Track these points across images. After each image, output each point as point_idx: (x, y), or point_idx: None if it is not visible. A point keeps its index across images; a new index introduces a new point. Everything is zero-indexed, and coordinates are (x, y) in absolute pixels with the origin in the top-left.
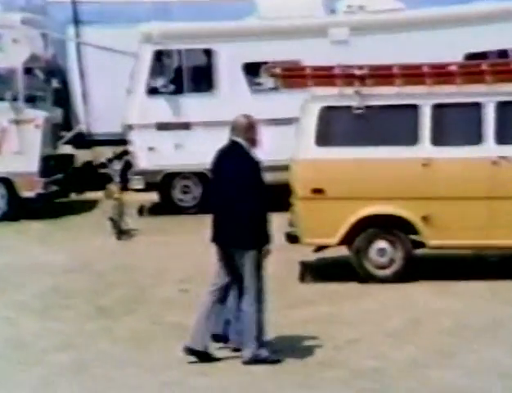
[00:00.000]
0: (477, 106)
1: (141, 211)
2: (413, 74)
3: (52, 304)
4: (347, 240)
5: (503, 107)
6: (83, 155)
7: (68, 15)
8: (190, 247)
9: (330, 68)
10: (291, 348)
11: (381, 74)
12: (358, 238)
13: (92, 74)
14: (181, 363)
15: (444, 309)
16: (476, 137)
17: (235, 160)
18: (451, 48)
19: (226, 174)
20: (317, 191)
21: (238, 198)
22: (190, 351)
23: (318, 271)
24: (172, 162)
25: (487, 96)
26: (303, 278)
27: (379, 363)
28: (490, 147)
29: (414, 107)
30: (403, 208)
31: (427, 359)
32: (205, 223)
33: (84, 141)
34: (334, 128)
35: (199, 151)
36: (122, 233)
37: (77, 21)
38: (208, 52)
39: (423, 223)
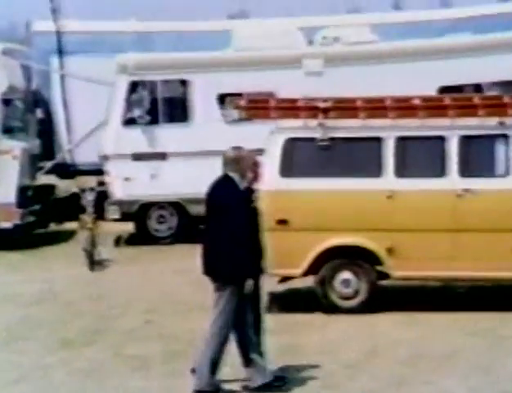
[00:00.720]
0: (440, 140)
1: (118, 241)
2: (376, 107)
3: (18, 335)
4: (312, 270)
5: (466, 141)
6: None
7: (52, 45)
8: (160, 277)
9: (294, 100)
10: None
11: (345, 107)
12: (323, 269)
13: (75, 104)
14: None
15: (404, 339)
16: (440, 170)
17: (222, 192)
18: (424, 81)
19: (213, 207)
20: (282, 222)
21: (222, 231)
22: None
23: (285, 301)
24: (148, 192)
25: (451, 129)
26: (269, 309)
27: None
28: (454, 180)
29: (378, 140)
30: (368, 239)
31: (381, 390)
32: (180, 253)
33: (68, 171)
34: (299, 159)
35: (174, 181)
36: (95, 264)
37: (61, 51)
38: (183, 83)
39: (387, 254)
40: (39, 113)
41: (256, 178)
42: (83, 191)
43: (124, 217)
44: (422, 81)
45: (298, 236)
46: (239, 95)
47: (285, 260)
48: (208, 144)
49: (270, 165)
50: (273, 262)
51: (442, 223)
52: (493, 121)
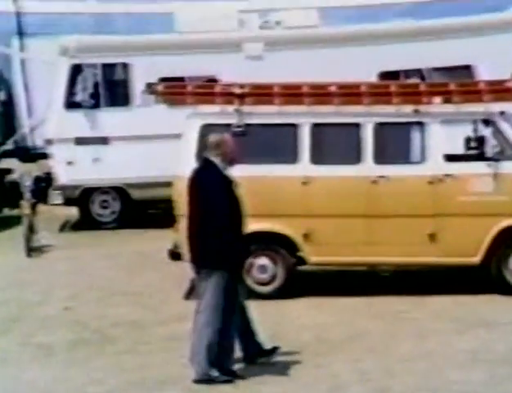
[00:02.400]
0: (356, 127)
1: (64, 227)
2: (292, 94)
3: None
4: None
5: (381, 128)
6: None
7: (12, 26)
8: (92, 263)
9: (211, 86)
10: (142, 365)
11: (261, 93)
12: None
13: (35, 87)
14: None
15: (312, 324)
16: (355, 157)
17: (205, 177)
18: (365, 66)
19: (195, 192)
20: None
21: (205, 216)
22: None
23: None
24: (91, 177)
25: (366, 116)
26: (189, 294)
27: None
28: (369, 167)
29: (293, 126)
30: (284, 225)
31: (270, 373)
32: (121, 238)
33: (29, 154)
34: None
35: (117, 166)
36: (32, 250)
37: (21, 33)
38: (124, 66)
39: (304, 240)
40: (1, 95)
41: (234, 161)
42: (22, 176)
43: (68, 202)
44: (362, 66)
45: None
46: (181, 79)
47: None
48: (149, 128)
49: (186, 151)
50: None
51: (357, 209)
52: (408, 109)
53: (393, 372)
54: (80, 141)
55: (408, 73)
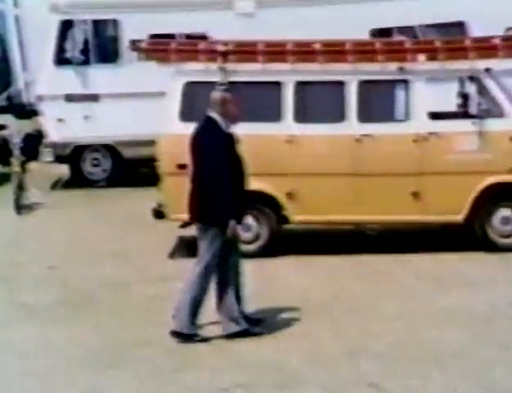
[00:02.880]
0: (340, 85)
1: (55, 184)
2: (276, 52)
3: None
4: None
5: (366, 86)
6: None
7: None
8: (81, 222)
9: (195, 43)
10: (122, 325)
11: (244, 51)
12: None
13: (31, 43)
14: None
15: (297, 283)
16: (339, 115)
17: (206, 134)
18: (357, 24)
19: (196, 149)
20: (182, 166)
21: (204, 173)
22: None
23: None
24: (81, 134)
25: (350, 74)
26: (173, 254)
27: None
28: (353, 125)
29: (277, 84)
30: (268, 184)
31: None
32: (112, 196)
33: (25, 110)
34: (199, 103)
35: (107, 124)
36: (21, 208)
37: None
38: (114, 23)
39: (287, 198)
40: None
41: (235, 120)
42: (11, 133)
43: (59, 159)
44: (354, 23)
45: None
46: (171, 36)
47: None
48: (139, 86)
49: (170, 109)
50: (174, 206)
51: (341, 167)
52: (393, 66)
53: (370, 332)
54: (70, 98)
55: (400, 30)
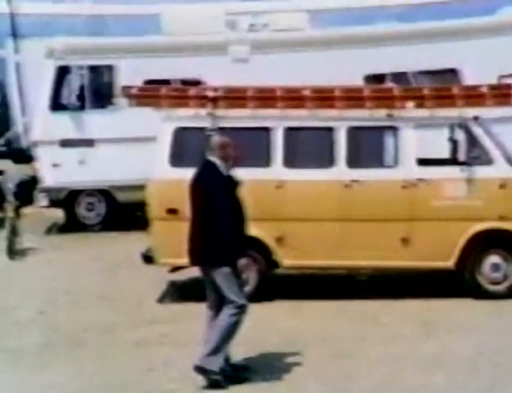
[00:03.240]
0: (329, 131)
1: (50, 229)
2: (266, 97)
3: None
4: None
5: (354, 132)
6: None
7: (6, 27)
8: (74, 266)
9: (185, 89)
10: (105, 370)
11: (234, 97)
12: None
13: (30, 88)
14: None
15: (283, 327)
16: (328, 161)
17: (206, 177)
18: (351, 69)
19: (197, 192)
20: (172, 211)
21: (206, 215)
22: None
23: (186, 291)
24: (76, 179)
25: (339, 120)
26: (162, 298)
27: (179, 384)
28: (342, 171)
29: (267, 130)
30: (257, 229)
31: None
32: (105, 240)
33: (23, 155)
34: (189, 148)
35: (102, 168)
36: (14, 253)
37: (15, 34)
38: (109, 68)
39: (277, 243)
40: None
41: (235, 163)
42: (5, 179)
43: (54, 204)
44: (348, 69)
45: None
46: (166, 82)
47: (175, 250)
48: (135, 130)
49: (160, 154)
50: (163, 251)
51: (330, 213)
52: (382, 113)
53: (354, 376)
54: (66, 143)
55: (394, 76)
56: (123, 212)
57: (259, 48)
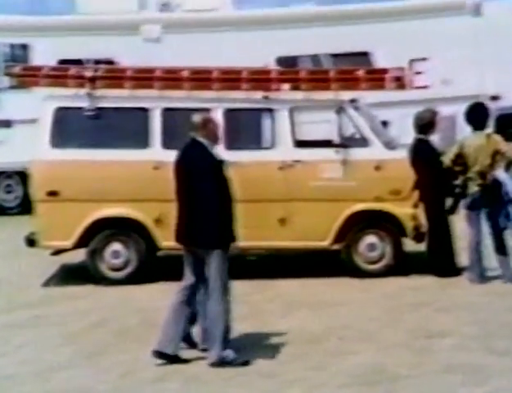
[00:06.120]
0: (206, 112)
1: None
2: (143, 78)
3: None
4: (83, 243)
5: (231, 114)
6: None
7: None
8: None
9: (65, 69)
10: None
11: (112, 77)
12: (93, 241)
13: None
14: None
15: (148, 307)
16: None
17: (194, 158)
18: (262, 51)
19: (186, 173)
20: (52, 193)
21: (198, 196)
22: (159, 354)
23: (75, 274)
24: None
25: (216, 102)
26: (48, 282)
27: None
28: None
29: (145, 110)
30: (136, 210)
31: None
32: (20, 223)
33: None
34: (68, 129)
35: (20, 150)
36: None
37: None
38: (25, 47)
39: (155, 224)
40: None
41: (218, 139)
42: None
43: None
44: (259, 51)
45: (69, 207)
46: (79, 61)
47: (56, 232)
48: None
49: (41, 135)
50: (45, 234)
51: None
52: (258, 95)
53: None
54: None
55: (306, 58)
56: None
57: (171, 28)
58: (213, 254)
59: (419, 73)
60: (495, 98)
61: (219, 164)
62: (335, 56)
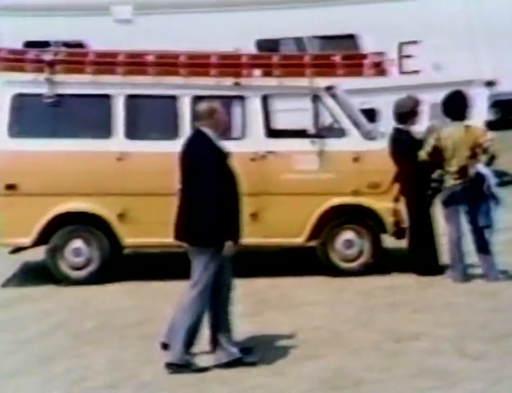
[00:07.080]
0: (172, 99)
1: None
2: (107, 63)
3: None
4: (43, 240)
5: (199, 101)
6: None
7: None
8: None
9: (23, 52)
10: None
11: (73, 61)
12: (53, 237)
13: None
14: None
15: (106, 309)
16: (173, 132)
17: (197, 149)
18: (241, 33)
19: (188, 166)
20: (10, 186)
21: (200, 191)
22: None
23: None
24: None
25: (183, 89)
26: (8, 282)
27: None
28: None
29: (107, 98)
30: (98, 205)
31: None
32: None
33: None
34: (27, 118)
35: None
36: None
37: None
38: None
39: (118, 220)
40: None
41: (225, 129)
42: None
43: None
44: (238, 33)
45: (27, 202)
46: (46, 43)
47: (15, 229)
48: None
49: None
50: (2, 231)
51: (172, 187)
52: (228, 81)
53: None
54: None
55: (289, 41)
56: None
57: (144, 9)
58: (198, 251)
59: (409, 57)
60: (491, 84)
61: (224, 157)
62: (320, 38)
